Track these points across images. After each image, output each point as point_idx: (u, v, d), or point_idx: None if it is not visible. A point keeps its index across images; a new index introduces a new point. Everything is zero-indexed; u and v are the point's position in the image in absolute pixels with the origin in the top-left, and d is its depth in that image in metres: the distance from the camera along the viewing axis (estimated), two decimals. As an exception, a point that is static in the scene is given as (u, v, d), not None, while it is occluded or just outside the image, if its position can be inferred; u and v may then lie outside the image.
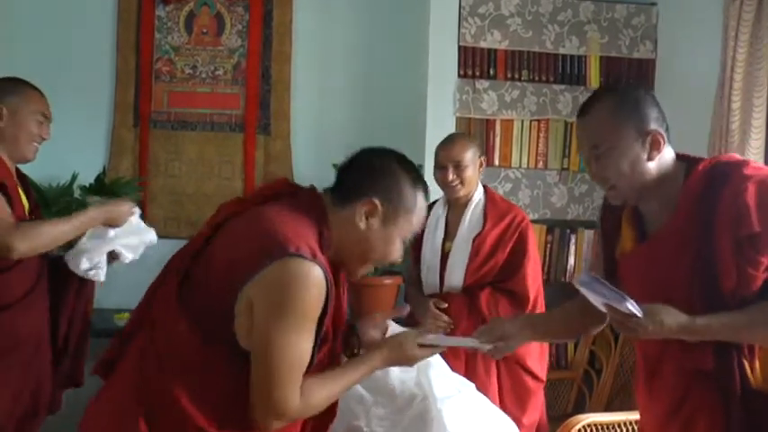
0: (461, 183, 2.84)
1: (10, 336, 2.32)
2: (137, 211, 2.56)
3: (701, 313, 1.64)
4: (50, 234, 2.30)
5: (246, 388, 1.47)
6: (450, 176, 2.83)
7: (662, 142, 1.72)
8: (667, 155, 1.75)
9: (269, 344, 1.44)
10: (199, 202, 3.81)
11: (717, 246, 1.65)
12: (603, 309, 1.68)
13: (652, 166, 1.73)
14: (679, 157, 1.79)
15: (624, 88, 1.86)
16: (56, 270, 2.49)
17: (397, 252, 1.64)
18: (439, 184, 2.89)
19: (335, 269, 1.60)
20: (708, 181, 1.70)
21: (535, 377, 2.80)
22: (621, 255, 1.88)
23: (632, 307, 1.60)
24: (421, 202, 1.65)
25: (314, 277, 1.45)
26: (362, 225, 1.59)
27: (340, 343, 1.72)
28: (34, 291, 2.39)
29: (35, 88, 2.46)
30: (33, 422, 2.43)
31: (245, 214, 1.61)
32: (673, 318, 1.62)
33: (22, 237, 2.21)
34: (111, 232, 2.48)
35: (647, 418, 1.91)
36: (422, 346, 1.70)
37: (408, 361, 1.71)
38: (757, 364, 1.68)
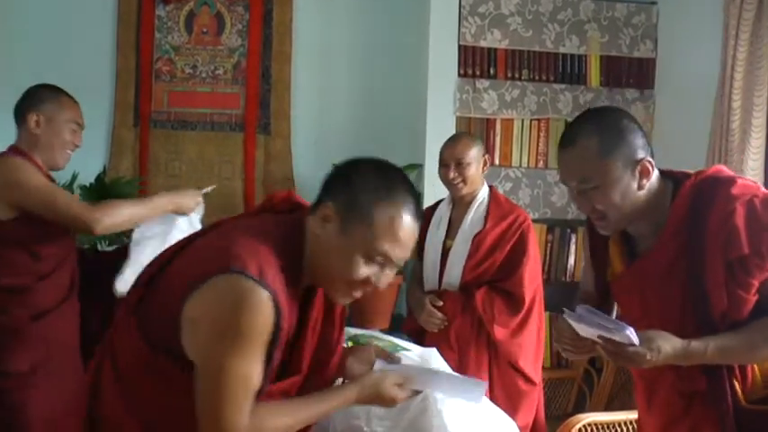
0: (463, 181, 2.84)
1: (46, 343, 2.35)
2: (202, 205, 2.54)
3: (693, 335, 1.62)
4: (128, 212, 2.37)
5: (191, 406, 1.37)
6: (452, 174, 2.84)
7: (651, 170, 1.68)
8: (653, 177, 1.71)
9: (210, 363, 1.35)
10: (199, 201, 3.80)
11: (707, 268, 1.64)
12: (597, 339, 1.62)
13: (642, 194, 1.68)
14: (664, 173, 1.75)
15: (606, 117, 1.73)
16: (85, 278, 2.52)
17: (359, 271, 1.45)
18: (443, 182, 2.91)
19: (326, 297, 1.55)
20: (695, 200, 1.68)
21: (528, 379, 2.79)
22: (612, 276, 1.86)
23: (632, 335, 1.56)
24: (388, 219, 1.44)
25: (256, 298, 1.33)
26: (319, 231, 1.45)
27: (331, 373, 1.63)
28: (68, 299, 2.42)
29: (70, 96, 2.48)
30: (69, 428, 2.44)
31: (219, 226, 1.55)
32: (669, 344, 1.59)
33: (104, 213, 2.30)
34: (180, 220, 2.47)
35: (647, 424, 1.90)
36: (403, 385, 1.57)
37: (386, 402, 1.57)
38: (743, 381, 1.69)
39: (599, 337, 1.60)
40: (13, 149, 2.40)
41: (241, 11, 3.89)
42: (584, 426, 2.57)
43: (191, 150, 3.87)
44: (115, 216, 2.31)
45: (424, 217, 3.03)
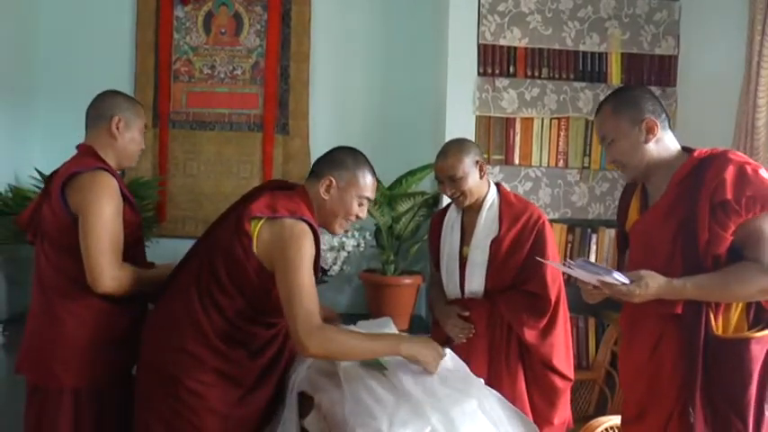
0: (463, 195, 2.79)
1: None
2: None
3: (680, 267, 2.05)
4: (347, 345, 2.13)
5: None
6: (449, 191, 2.81)
7: (655, 128, 2.16)
8: (669, 142, 2.19)
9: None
10: (217, 201, 3.80)
11: (698, 210, 2.03)
12: (598, 284, 2.06)
13: (651, 148, 2.17)
14: (684, 148, 2.21)
15: (624, 89, 2.29)
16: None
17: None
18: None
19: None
20: (698, 164, 2.10)
21: (563, 376, 2.75)
22: (630, 226, 2.32)
23: (619, 277, 2.00)
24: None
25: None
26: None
27: None
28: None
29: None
30: None
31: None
32: (655, 280, 2.01)
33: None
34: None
35: (625, 368, 2.33)
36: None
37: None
38: (720, 316, 2.05)
39: (599, 281, 2.05)
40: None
41: (259, 11, 3.89)
42: (605, 429, 2.55)
43: (209, 150, 3.87)
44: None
45: (434, 223, 3.03)
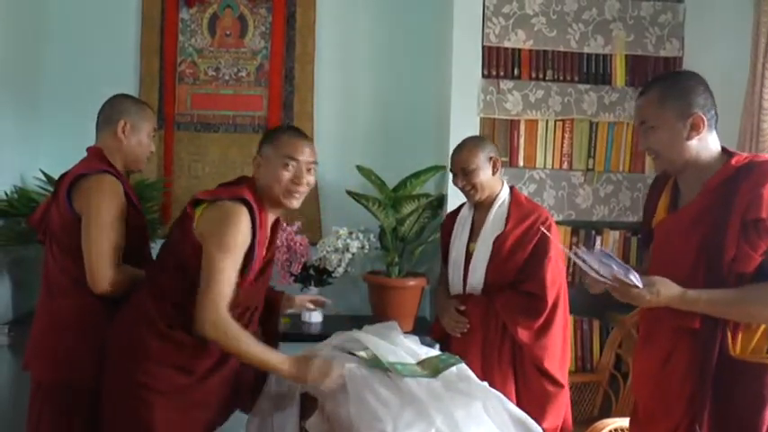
0: (474, 188, 2.84)
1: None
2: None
3: (702, 281, 1.93)
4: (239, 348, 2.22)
5: None
6: (461, 183, 2.86)
7: (702, 125, 1.99)
8: (711, 142, 2.04)
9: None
10: (222, 203, 3.80)
11: (727, 223, 1.91)
12: (608, 278, 1.95)
13: (692, 145, 2.01)
14: (724, 150, 2.06)
15: (675, 76, 2.17)
16: None
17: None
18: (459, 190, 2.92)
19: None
20: (735, 173, 1.96)
21: (554, 382, 2.74)
22: (656, 223, 2.19)
23: (635, 279, 1.90)
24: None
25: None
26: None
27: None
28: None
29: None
30: None
31: None
32: (668, 289, 1.91)
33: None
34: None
35: (638, 372, 2.24)
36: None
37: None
38: (739, 335, 1.93)
39: (612, 276, 1.93)
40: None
41: (264, 13, 3.90)
42: (609, 431, 2.54)
43: (214, 152, 3.88)
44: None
45: (446, 221, 3.05)
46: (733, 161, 1.99)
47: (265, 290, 2.46)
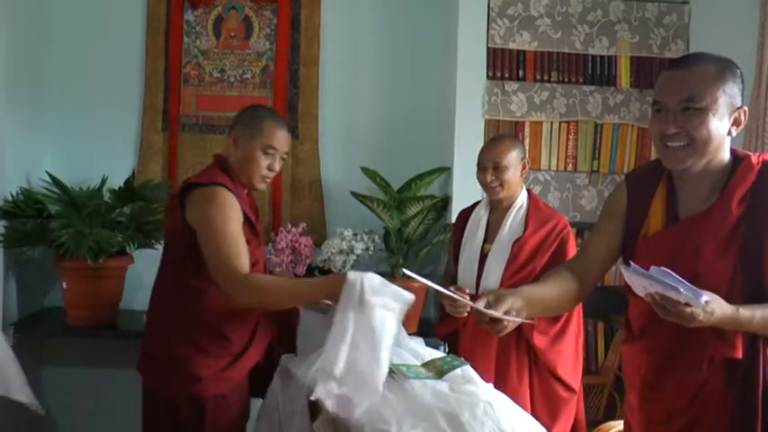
0: (501, 185, 2.81)
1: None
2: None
3: (740, 302, 1.64)
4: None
5: None
6: (489, 177, 2.81)
7: (741, 123, 1.75)
8: (728, 146, 1.78)
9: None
10: (227, 205, 3.81)
11: (766, 239, 1.68)
12: (653, 293, 1.60)
13: (726, 143, 1.75)
14: (733, 154, 1.82)
15: (726, 59, 1.77)
16: None
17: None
18: (481, 185, 2.89)
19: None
20: (762, 174, 1.73)
21: (567, 387, 2.73)
22: (646, 235, 1.87)
23: (704, 299, 1.57)
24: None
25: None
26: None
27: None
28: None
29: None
30: None
31: None
32: (720, 307, 1.59)
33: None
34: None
35: (650, 400, 1.88)
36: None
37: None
38: None
39: (656, 293, 1.59)
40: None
41: (269, 15, 3.90)
42: (615, 433, 2.53)
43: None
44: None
45: (459, 218, 3.03)
46: (752, 161, 1.76)
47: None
